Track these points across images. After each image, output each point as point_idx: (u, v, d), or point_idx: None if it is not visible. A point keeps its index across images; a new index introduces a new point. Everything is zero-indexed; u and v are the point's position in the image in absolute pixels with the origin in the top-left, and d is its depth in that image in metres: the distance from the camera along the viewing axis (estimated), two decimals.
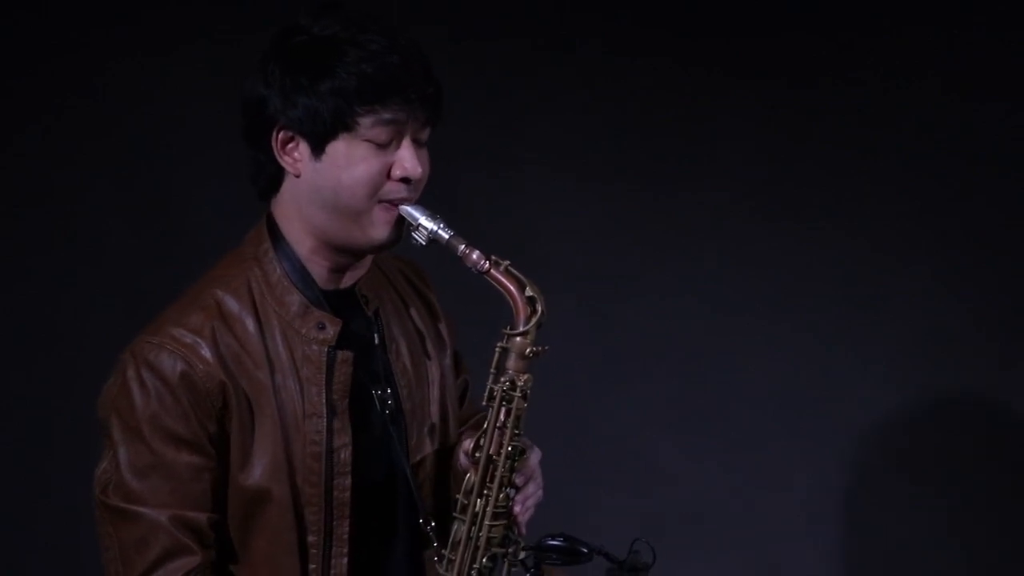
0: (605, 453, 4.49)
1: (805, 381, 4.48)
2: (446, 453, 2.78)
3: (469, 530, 2.65)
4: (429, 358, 2.79)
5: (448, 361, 2.84)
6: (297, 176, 2.62)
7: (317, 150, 2.59)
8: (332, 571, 2.64)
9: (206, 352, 2.59)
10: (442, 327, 2.85)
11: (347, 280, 2.70)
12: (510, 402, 2.64)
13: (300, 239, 2.66)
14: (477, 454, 2.66)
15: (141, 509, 2.57)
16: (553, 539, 2.64)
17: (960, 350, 4.47)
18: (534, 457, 2.72)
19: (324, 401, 2.63)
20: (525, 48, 4.41)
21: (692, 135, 4.48)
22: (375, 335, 2.71)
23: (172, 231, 4.33)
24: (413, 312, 2.81)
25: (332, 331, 2.64)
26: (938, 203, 4.46)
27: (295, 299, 2.64)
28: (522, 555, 2.66)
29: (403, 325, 2.77)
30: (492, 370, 2.65)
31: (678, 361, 4.49)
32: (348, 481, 2.63)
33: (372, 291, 2.73)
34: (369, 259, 2.72)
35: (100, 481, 2.61)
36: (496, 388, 2.64)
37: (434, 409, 2.77)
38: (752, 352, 4.48)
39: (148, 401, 2.57)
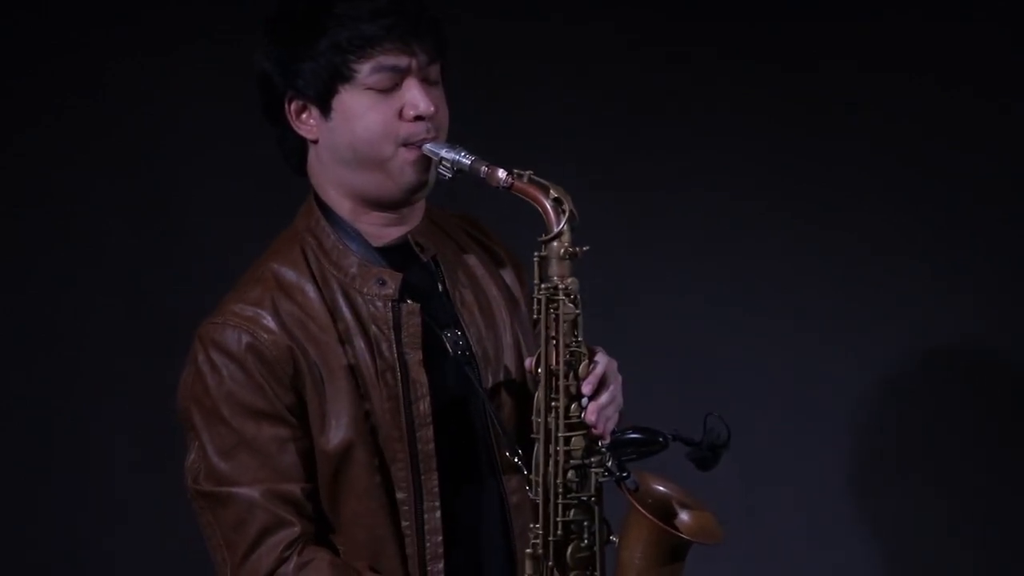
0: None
1: (804, 380, 4.48)
2: (527, 406, 2.67)
3: (546, 447, 2.57)
4: (496, 303, 2.74)
5: (524, 310, 2.78)
6: (315, 142, 2.62)
7: (325, 110, 2.59)
8: (425, 526, 2.59)
9: (269, 321, 2.57)
10: (509, 275, 2.80)
11: (398, 233, 2.67)
12: (557, 308, 2.59)
13: (339, 203, 2.64)
14: (539, 370, 2.60)
15: (234, 490, 2.55)
16: (627, 433, 2.57)
17: (960, 350, 4.47)
18: (601, 362, 2.64)
19: (396, 355, 2.59)
20: (525, 48, 4.40)
21: (691, 134, 4.47)
22: (438, 284, 2.68)
23: (172, 231, 4.33)
24: (474, 259, 2.76)
25: (393, 285, 2.61)
26: (938, 203, 4.46)
27: (352, 260, 2.62)
28: (607, 462, 2.57)
29: (466, 272, 2.73)
30: (535, 282, 2.61)
31: (677, 360, 4.48)
32: (430, 432, 2.59)
33: (427, 240, 2.70)
34: (418, 210, 2.69)
35: (191, 471, 2.59)
36: (541, 297, 2.60)
37: (510, 355, 2.71)
38: (751, 351, 4.47)
39: (221, 380, 2.56)
